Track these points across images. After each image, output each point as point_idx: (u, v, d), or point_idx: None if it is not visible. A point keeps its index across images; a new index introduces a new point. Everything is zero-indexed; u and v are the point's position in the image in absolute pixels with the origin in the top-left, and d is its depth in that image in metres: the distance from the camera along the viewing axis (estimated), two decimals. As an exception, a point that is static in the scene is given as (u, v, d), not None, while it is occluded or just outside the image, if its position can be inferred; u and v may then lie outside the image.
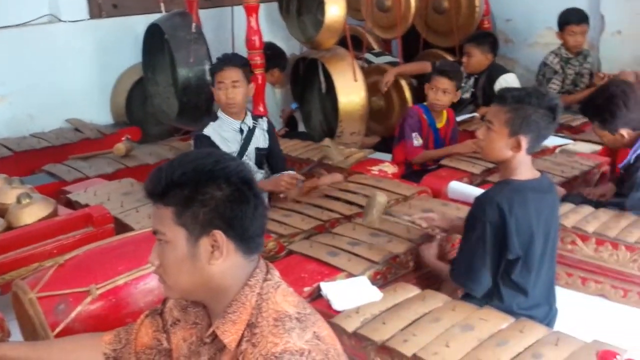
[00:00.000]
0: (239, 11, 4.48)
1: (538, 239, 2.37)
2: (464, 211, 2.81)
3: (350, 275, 2.59)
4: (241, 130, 3.46)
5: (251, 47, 4.32)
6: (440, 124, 4.16)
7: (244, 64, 3.44)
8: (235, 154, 3.44)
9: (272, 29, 5.83)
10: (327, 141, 4.04)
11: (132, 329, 1.70)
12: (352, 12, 5.62)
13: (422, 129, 4.12)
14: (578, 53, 5.17)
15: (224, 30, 5.47)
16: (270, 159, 3.61)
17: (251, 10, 4.31)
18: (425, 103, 4.18)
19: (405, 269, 2.82)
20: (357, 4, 5.66)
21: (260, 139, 3.54)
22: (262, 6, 5.11)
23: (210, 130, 3.42)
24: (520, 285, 2.40)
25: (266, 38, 5.28)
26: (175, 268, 1.46)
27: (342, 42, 4.89)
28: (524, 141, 2.32)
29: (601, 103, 3.21)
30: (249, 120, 3.50)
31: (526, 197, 2.36)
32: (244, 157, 3.48)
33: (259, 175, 3.57)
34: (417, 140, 4.09)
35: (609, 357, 1.97)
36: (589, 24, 5.13)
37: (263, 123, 3.59)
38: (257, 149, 3.53)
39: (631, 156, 3.18)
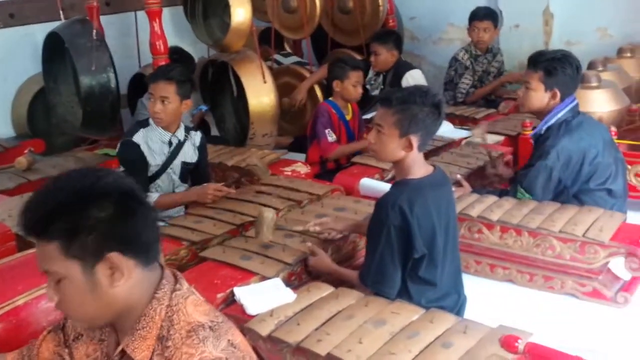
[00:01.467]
0: (143, 16, 4.38)
1: (440, 233, 2.43)
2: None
3: (264, 278, 2.57)
4: (170, 143, 3.37)
5: (156, 52, 4.26)
6: (349, 116, 4.23)
7: (182, 79, 3.28)
8: (159, 167, 3.37)
9: (178, 32, 5.75)
10: (254, 160, 3.98)
11: (34, 346, 1.64)
12: (258, 14, 5.63)
13: (333, 124, 4.17)
14: (487, 50, 5.36)
15: (128, 36, 5.36)
16: (194, 173, 3.54)
17: (154, 15, 4.24)
18: (331, 98, 4.23)
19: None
20: (263, 5, 5.66)
21: (189, 153, 3.46)
22: (167, 10, 5.04)
23: (139, 137, 3.31)
24: (427, 280, 2.44)
25: (173, 42, 5.19)
26: (77, 302, 1.38)
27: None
28: (415, 140, 2.36)
29: (558, 57, 3.16)
30: (181, 133, 3.41)
31: (425, 194, 2.40)
32: (168, 170, 3.41)
33: (180, 188, 3.49)
34: (331, 137, 4.13)
35: (511, 342, 2.04)
36: (496, 22, 5.31)
37: (196, 137, 3.50)
38: (184, 163, 3.45)
39: (542, 126, 3.22)
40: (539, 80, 3.16)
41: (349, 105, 4.24)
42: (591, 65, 4.37)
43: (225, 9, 4.66)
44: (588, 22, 5.60)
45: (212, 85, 5.33)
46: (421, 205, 2.37)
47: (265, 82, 4.71)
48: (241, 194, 3.45)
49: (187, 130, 3.48)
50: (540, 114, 3.24)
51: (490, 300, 2.96)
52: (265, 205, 3.22)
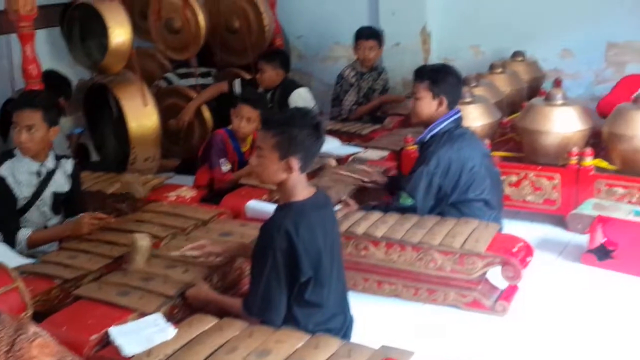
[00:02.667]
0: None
1: (326, 254, 2.43)
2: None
3: (144, 314, 2.45)
4: (39, 173, 3.20)
5: (28, 77, 4.03)
6: (245, 148, 4.17)
7: (47, 106, 3.11)
8: (27, 199, 3.18)
9: (57, 54, 5.49)
10: (129, 177, 3.85)
11: None
12: (141, 34, 5.50)
13: (227, 154, 4.11)
14: (372, 68, 5.50)
15: (1, 60, 5.08)
16: (67, 203, 3.36)
17: (26, 39, 4.01)
18: (230, 127, 4.18)
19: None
20: (146, 26, 5.53)
21: (61, 183, 3.29)
22: (44, 31, 4.82)
23: (4, 170, 3.12)
24: (314, 302, 2.43)
25: (50, 65, 5.00)
26: None
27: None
28: (295, 162, 2.37)
29: (441, 67, 3.46)
30: (51, 162, 3.24)
31: (309, 216, 2.39)
32: (38, 203, 3.22)
33: (53, 221, 3.31)
34: (225, 166, 4.08)
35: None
36: (380, 41, 5.48)
37: (67, 165, 3.33)
38: (55, 194, 3.27)
39: (427, 134, 3.40)
40: (425, 90, 3.37)
41: (249, 137, 4.14)
42: (465, 82, 4.53)
43: (104, 30, 4.50)
44: (462, 40, 5.88)
45: (93, 108, 5.13)
46: (306, 228, 2.37)
47: (146, 105, 4.59)
48: (121, 223, 3.28)
49: (58, 158, 3.32)
50: (426, 120, 3.43)
51: (378, 317, 3.01)
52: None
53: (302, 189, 2.45)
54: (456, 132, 3.38)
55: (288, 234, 2.33)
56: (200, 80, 5.62)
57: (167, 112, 5.22)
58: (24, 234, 3.11)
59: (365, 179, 3.78)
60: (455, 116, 3.41)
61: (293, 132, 2.34)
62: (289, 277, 2.37)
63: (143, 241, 2.61)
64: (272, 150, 2.36)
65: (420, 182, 3.30)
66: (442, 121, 3.37)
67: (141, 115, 4.59)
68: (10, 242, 3.08)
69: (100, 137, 5.20)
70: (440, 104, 3.36)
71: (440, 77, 3.37)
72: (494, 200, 3.41)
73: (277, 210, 2.49)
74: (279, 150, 2.36)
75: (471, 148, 3.38)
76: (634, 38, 5.15)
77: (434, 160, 3.28)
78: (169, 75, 5.68)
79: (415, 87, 3.43)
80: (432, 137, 3.38)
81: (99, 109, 5.12)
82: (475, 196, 3.34)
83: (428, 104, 3.37)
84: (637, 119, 3.58)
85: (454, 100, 3.42)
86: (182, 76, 5.70)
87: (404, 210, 3.36)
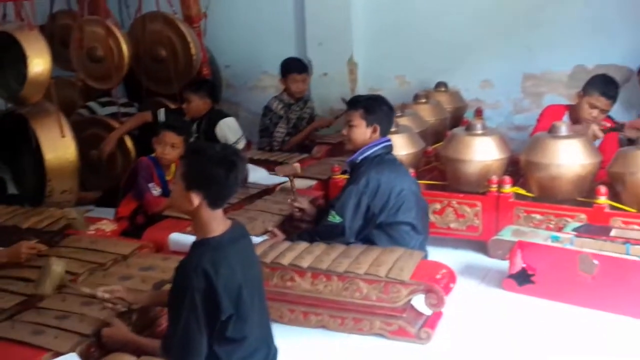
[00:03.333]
0: None
1: (246, 288, 2.37)
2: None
3: (58, 354, 2.36)
4: None
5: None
6: (169, 176, 4.09)
7: None
8: None
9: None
10: (72, 213, 3.69)
11: None
12: (61, 63, 5.36)
13: (153, 181, 4.04)
14: (299, 99, 5.52)
15: None
16: None
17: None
18: (154, 155, 4.11)
19: (125, 334, 2.67)
20: (67, 54, 5.39)
21: None
22: (-45, 61, 4.61)
23: None
24: (236, 338, 2.36)
25: (-36, 95, 4.78)
26: None
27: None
28: (196, 197, 2.29)
29: (374, 97, 3.61)
30: None
31: (227, 252, 2.33)
32: None
33: None
34: (156, 190, 4.01)
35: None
36: (309, 72, 5.56)
37: None
38: None
39: (358, 156, 3.50)
40: (360, 118, 3.48)
41: (173, 165, 4.08)
42: (390, 112, 4.66)
43: (22, 59, 4.35)
44: (388, 71, 6.03)
45: (11, 139, 4.93)
46: (225, 265, 2.30)
47: (63, 136, 4.47)
48: (35, 260, 3.12)
49: None
50: (360, 147, 3.51)
51: (305, 349, 2.98)
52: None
53: (217, 224, 2.37)
54: (387, 157, 3.51)
55: (206, 273, 2.24)
56: (122, 109, 5.51)
57: (88, 142, 5.09)
58: None
59: (297, 205, 3.78)
60: (387, 143, 3.54)
61: (200, 165, 2.30)
62: (208, 317, 2.29)
63: (57, 267, 2.52)
64: (180, 178, 2.33)
65: (349, 201, 3.37)
66: (374, 145, 3.49)
67: (58, 147, 4.47)
68: None
69: (20, 169, 4.99)
70: (374, 131, 3.48)
71: (374, 106, 3.50)
72: (420, 226, 3.48)
73: (193, 247, 2.39)
74: (184, 181, 2.31)
75: (399, 173, 3.49)
76: (550, 69, 5.39)
77: (364, 180, 3.37)
78: (91, 103, 5.55)
79: (350, 115, 3.53)
80: (363, 159, 3.48)
81: (18, 141, 4.92)
82: (403, 219, 3.40)
83: (362, 132, 3.48)
84: (552, 148, 3.72)
85: (387, 128, 3.55)
86: (105, 104, 5.58)
87: (332, 236, 3.38)
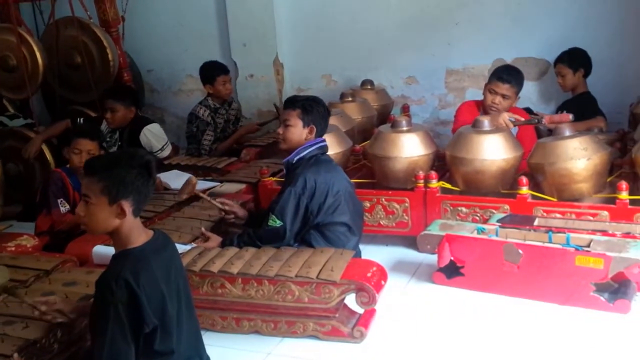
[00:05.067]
0: None
1: (171, 299, 2.32)
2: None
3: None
4: None
5: None
6: None
7: None
8: None
9: None
10: None
11: None
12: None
13: (67, 193, 3.92)
14: (223, 102, 5.43)
15: None
16: None
17: None
18: (68, 166, 3.98)
19: (50, 352, 2.56)
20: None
21: None
22: None
23: None
24: (163, 351, 2.30)
25: None
26: None
27: None
28: (127, 205, 2.26)
29: (312, 98, 3.57)
30: None
31: (149, 262, 2.27)
32: None
33: None
34: (63, 207, 3.88)
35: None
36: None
37: None
38: None
39: (294, 157, 3.47)
40: (297, 117, 3.46)
41: None
42: (316, 111, 4.65)
43: None
44: (315, 70, 6.03)
45: None
46: (147, 275, 2.24)
47: (-22, 149, 4.27)
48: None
49: None
50: (297, 147, 3.49)
51: (241, 355, 2.95)
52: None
53: (138, 234, 2.32)
54: (322, 157, 3.50)
55: (128, 284, 2.18)
56: (22, 122, 5.33)
57: (5, 155, 4.87)
58: None
59: (227, 209, 3.71)
60: (322, 144, 3.53)
61: (120, 173, 2.24)
62: (133, 329, 2.21)
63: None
64: (100, 195, 2.23)
65: (288, 204, 3.34)
66: (309, 145, 3.47)
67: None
68: None
69: None
70: (310, 132, 3.47)
71: (312, 107, 3.49)
72: (356, 227, 3.48)
73: (112, 260, 2.33)
74: (108, 195, 2.23)
75: (336, 174, 3.48)
76: (470, 63, 5.51)
77: (301, 181, 3.34)
78: (1, 117, 5.32)
79: (287, 115, 3.50)
80: (299, 159, 3.46)
81: None
82: (339, 220, 3.39)
83: (299, 132, 3.46)
84: (475, 143, 3.79)
85: (322, 129, 3.54)
86: (12, 117, 5.39)
87: (273, 240, 3.34)
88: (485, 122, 3.86)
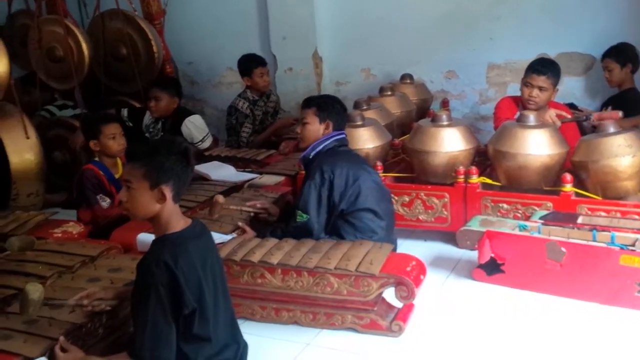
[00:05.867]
0: None
1: (207, 285, 2.39)
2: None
3: (28, 359, 2.33)
4: None
5: None
6: (118, 174, 4.00)
7: None
8: None
9: None
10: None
11: None
12: (20, 62, 5.24)
13: (104, 186, 3.95)
14: (262, 94, 5.48)
15: None
16: None
17: None
18: (96, 159, 4.02)
19: (95, 337, 2.62)
20: (25, 55, 5.28)
21: None
22: None
23: None
24: (201, 336, 2.37)
25: None
26: None
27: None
28: (167, 190, 2.34)
29: (327, 95, 3.71)
30: None
31: (187, 247, 2.35)
32: None
33: None
34: (105, 202, 3.92)
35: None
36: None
37: None
38: None
39: (310, 151, 3.52)
40: (313, 115, 3.53)
41: (118, 161, 4.03)
42: (356, 105, 4.66)
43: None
44: (354, 64, 6.01)
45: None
46: (185, 259, 2.32)
47: (28, 137, 4.39)
48: (3, 263, 3.10)
49: None
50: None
51: (279, 345, 2.98)
52: (30, 275, 2.94)
53: (177, 220, 2.42)
54: (339, 149, 3.53)
55: (167, 266, 2.27)
56: (70, 112, 5.43)
57: (51, 144, 4.99)
58: None
59: (257, 211, 3.75)
60: (339, 136, 3.55)
61: (160, 159, 2.32)
62: (173, 311, 2.30)
63: (34, 294, 2.44)
64: (142, 180, 2.32)
65: (310, 197, 3.39)
66: (325, 139, 3.51)
67: (23, 149, 4.42)
68: None
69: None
70: (326, 127, 3.51)
71: (327, 104, 3.56)
72: (382, 210, 3.46)
73: (152, 244, 2.42)
74: (149, 180, 2.32)
75: (354, 163, 3.49)
76: (513, 58, 5.43)
77: (318, 173, 3.39)
78: (50, 107, 5.46)
79: (304, 113, 3.58)
80: (316, 154, 3.51)
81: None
82: (363, 206, 3.40)
83: (315, 129, 3.52)
84: (519, 136, 3.73)
85: (340, 124, 3.57)
86: (61, 107, 5.51)
87: (303, 236, 3.35)
88: (531, 116, 3.81)
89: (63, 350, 2.37)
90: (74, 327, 2.52)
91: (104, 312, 2.62)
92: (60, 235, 3.59)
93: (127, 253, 3.38)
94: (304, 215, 3.38)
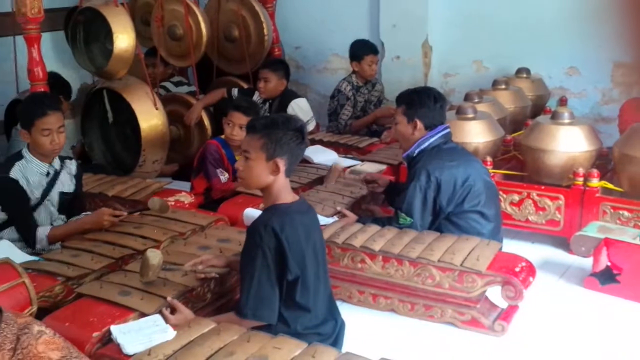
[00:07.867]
0: (23, 40, 4.13)
1: (309, 258, 2.47)
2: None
3: (143, 314, 2.46)
4: (47, 174, 3.30)
5: (33, 79, 4.07)
6: (239, 157, 4.10)
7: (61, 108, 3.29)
8: (37, 200, 3.25)
9: (60, 58, 5.53)
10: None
11: None
12: (142, 40, 5.45)
13: (223, 163, 4.06)
14: (367, 81, 5.44)
15: (6, 61, 5.08)
16: (71, 203, 3.43)
17: (32, 41, 4.05)
18: (222, 136, 4.12)
19: (203, 301, 2.74)
20: (147, 32, 5.48)
21: (67, 183, 3.39)
22: (49, 35, 4.81)
23: (16, 172, 3.21)
24: (302, 305, 2.46)
25: (55, 68, 5.01)
26: None
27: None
28: (282, 163, 2.43)
29: (417, 91, 3.48)
30: (57, 163, 3.33)
31: (293, 218, 2.45)
32: (46, 202, 3.30)
33: (59, 221, 3.36)
34: (223, 176, 4.04)
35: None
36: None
37: (71, 166, 3.43)
38: (62, 193, 3.37)
39: (414, 149, 3.36)
40: (402, 114, 3.40)
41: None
42: (467, 97, 4.52)
43: (108, 35, 4.45)
44: (465, 55, 5.81)
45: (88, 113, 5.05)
46: (291, 229, 2.41)
47: (157, 108, 4.62)
48: (121, 226, 3.26)
49: (62, 159, 3.41)
50: (406, 144, 3.41)
51: (372, 330, 2.96)
52: (146, 238, 3.11)
53: (287, 194, 2.51)
54: (445, 146, 3.36)
55: (275, 231, 2.38)
56: (186, 89, 5.61)
57: (167, 119, 5.15)
58: (43, 230, 3.17)
59: (369, 179, 3.81)
60: (444, 132, 3.37)
61: (278, 133, 2.41)
62: (277, 276, 2.41)
63: (155, 260, 2.60)
64: (259, 152, 2.43)
65: (415, 199, 3.25)
66: (429, 136, 3.34)
67: (152, 118, 4.62)
68: (28, 239, 3.18)
69: (89, 142, 5.10)
70: (415, 127, 3.34)
71: (414, 100, 3.36)
72: (490, 212, 3.32)
73: (263, 212, 2.57)
74: (266, 152, 2.42)
75: (463, 161, 3.32)
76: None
77: (424, 174, 3.24)
78: (166, 83, 5.66)
79: (395, 111, 3.49)
80: (420, 152, 3.35)
81: (89, 114, 5.04)
82: (470, 208, 3.27)
83: (404, 128, 3.39)
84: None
85: (432, 123, 3.35)
86: (177, 84, 5.71)
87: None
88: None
89: (172, 311, 2.47)
90: (186, 290, 2.65)
91: (213, 278, 2.74)
92: (173, 203, 3.71)
93: (233, 226, 3.46)
94: (408, 219, 3.26)
